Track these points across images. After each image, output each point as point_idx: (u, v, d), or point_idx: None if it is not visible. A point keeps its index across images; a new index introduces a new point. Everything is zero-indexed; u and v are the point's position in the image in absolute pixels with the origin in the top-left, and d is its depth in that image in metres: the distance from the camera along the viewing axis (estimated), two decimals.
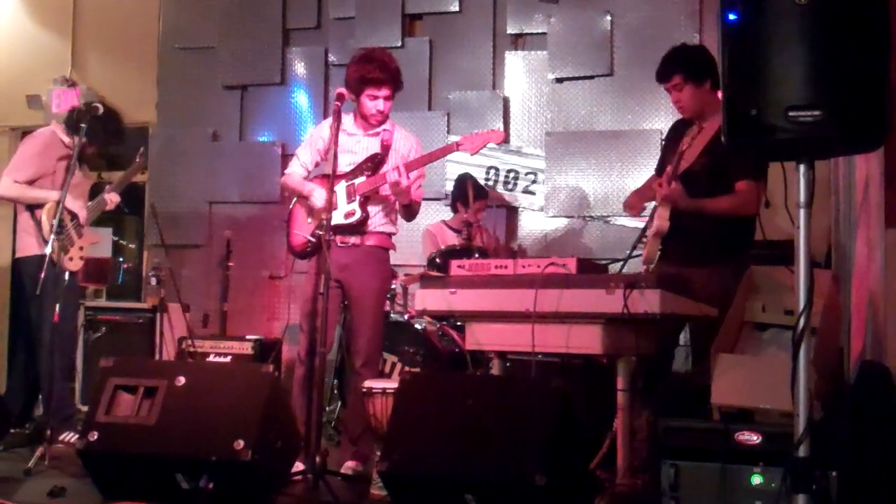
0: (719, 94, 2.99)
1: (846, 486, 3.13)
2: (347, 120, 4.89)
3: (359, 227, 4.76)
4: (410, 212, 4.90)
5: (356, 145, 4.85)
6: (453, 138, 6.03)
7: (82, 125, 5.20)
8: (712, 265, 4.26)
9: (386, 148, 4.82)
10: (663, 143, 4.82)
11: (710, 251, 4.31)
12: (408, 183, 4.65)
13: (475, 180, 6.60)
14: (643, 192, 4.75)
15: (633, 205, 4.76)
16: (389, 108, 4.84)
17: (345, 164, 4.79)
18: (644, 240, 4.52)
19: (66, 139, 5.62)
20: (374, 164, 4.79)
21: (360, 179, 4.77)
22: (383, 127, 4.89)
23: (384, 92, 4.77)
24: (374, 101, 4.77)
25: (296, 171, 5.00)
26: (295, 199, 4.99)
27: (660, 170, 4.65)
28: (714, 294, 4.09)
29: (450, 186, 6.93)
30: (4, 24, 8.52)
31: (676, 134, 4.62)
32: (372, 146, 4.84)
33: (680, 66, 4.47)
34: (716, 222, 4.30)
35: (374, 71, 4.74)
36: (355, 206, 4.73)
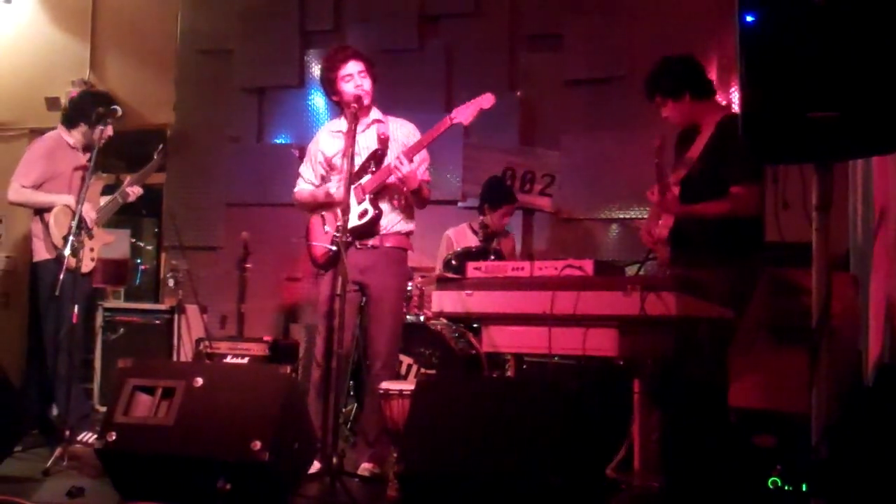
0: (736, 99, 3.00)
1: (865, 489, 3.11)
2: (340, 122, 4.89)
3: (373, 226, 4.74)
4: (421, 197, 4.85)
5: (355, 145, 4.82)
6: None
7: (101, 127, 5.23)
8: (719, 267, 4.24)
9: (384, 141, 4.79)
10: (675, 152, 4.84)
11: (717, 253, 4.29)
12: (410, 168, 4.64)
13: (504, 184, 6.59)
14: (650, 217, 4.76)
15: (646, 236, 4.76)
16: (371, 86, 4.80)
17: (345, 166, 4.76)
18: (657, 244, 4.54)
19: (72, 140, 5.66)
20: (376, 159, 4.77)
21: (366, 178, 4.75)
22: (373, 117, 4.87)
23: (354, 66, 4.77)
24: (351, 81, 4.77)
25: (304, 188, 5.03)
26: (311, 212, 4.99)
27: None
28: (723, 296, 4.07)
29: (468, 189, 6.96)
30: (24, 26, 8.57)
31: (683, 141, 4.64)
32: (370, 142, 4.82)
33: (655, 85, 4.55)
34: (720, 225, 4.28)
35: (335, 53, 4.85)
36: (366, 205, 4.72)
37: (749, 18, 2.95)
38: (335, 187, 4.75)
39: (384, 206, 4.78)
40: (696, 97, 4.47)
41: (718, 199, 4.27)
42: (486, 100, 4.73)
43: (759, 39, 2.94)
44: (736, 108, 6.33)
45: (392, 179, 4.69)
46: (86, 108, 5.55)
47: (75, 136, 5.66)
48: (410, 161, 4.63)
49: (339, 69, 4.77)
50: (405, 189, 4.75)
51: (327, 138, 4.97)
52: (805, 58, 2.85)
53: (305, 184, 5.03)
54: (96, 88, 5.58)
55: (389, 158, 4.71)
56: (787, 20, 2.89)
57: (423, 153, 4.83)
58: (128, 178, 5.97)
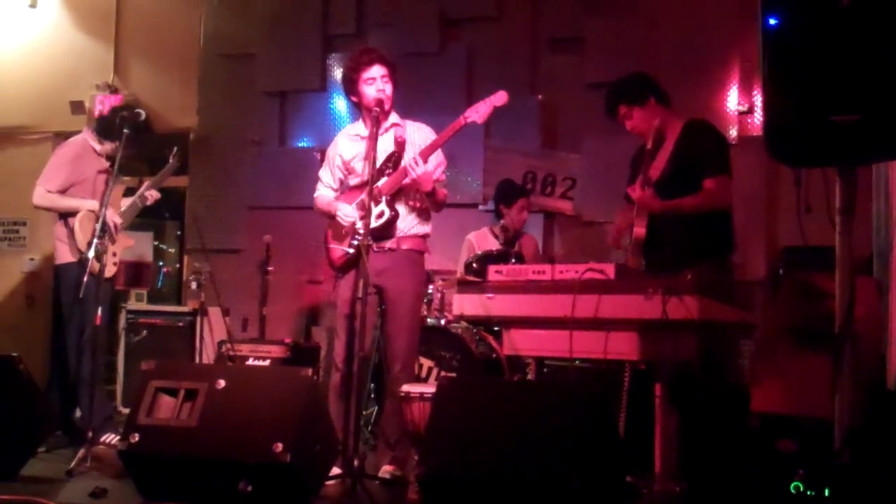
0: (759, 102, 2.99)
1: (888, 494, 3.09)
2: (359, 126, 4.91)
3: (390, 227, 4.74)
4: (435, 200, 4.83)
5: (371, 149, 4.82)
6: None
7: (125, 131, 5.25)
8: (693, 268, 4.22)
9: (401, 144, 4.78)
10: (631, 168, 4.88)
11: (690, 254, 4.33)
12: (424, 169, 4.62)
13: (513, 182, 6.61)
14: (619, 224, 4.81)
15: (616, 240, 4.83)
16: (392, 91, 4.79)
17: (367, 170, 4.76)
18: (626, 247, 4.60)
19: (98, 146, 5.70)
20: (392, 162, 4.77)
21: (384, 180, 4.74)
22: (392, 121, 4.87)
23: (378, 70, 4.76)
24: (373, 85, 4.75)
25: (323, 194, 5.03)
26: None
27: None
28: (706, 291, 4.06)
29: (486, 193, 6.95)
30: (48, 30, 8.64)
31: (642, 155, 4.69)
32: (387, 146, 4.82)
33: (617, 97, 4.73)
34: (692, 226, 4.40)
35: (360, 55, 4.83)
36: (383, 206, 4.71)
37: (772, 21, 2.94)
38: (345, 212, 4.76)
39: (401, 208, 4.78)
40: (660, 102, 4.64)
41: (693, 194, 4.41)
42: (500, 98, 4.73)
43: (782, 42, 2.93)
44: (759, 111, 6.32)
45: (407, 181, 4.70)
46: (119, 125, 5.52)
47: (103, 144, 5.68)
48: (425, 162, 4.63)
49: (363, 71, 4.76)
50: (420, 191, 4.75)
51: (346, 142, 4.98)
52: (828, 60, 2.84)
53: (325, 188, 5.04)
54: (131, 105, 5.59)
55: (406, 161, 4.71)
56: (810, 23, 2.88)
57: (440, 156, 4.82)
58: (146, 182, 6.01)
